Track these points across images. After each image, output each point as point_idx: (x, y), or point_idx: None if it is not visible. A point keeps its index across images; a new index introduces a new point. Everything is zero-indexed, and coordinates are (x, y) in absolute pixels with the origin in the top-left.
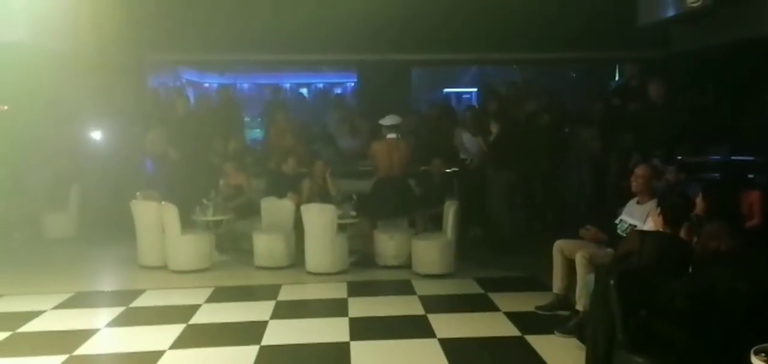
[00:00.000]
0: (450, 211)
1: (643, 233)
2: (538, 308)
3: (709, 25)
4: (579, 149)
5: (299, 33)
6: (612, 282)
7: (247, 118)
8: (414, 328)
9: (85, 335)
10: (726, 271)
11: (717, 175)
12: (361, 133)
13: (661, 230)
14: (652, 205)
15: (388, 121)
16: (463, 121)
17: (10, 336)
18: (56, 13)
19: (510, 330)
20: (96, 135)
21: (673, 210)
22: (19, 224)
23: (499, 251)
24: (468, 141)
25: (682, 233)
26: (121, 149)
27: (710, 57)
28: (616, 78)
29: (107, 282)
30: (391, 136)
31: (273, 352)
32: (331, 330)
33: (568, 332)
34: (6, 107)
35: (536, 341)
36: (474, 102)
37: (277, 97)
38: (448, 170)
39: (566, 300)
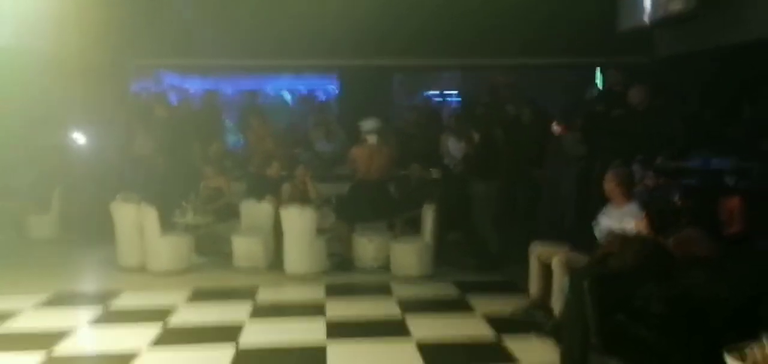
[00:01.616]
0: (428, 214)
1: (624, 235)
2: (513, 313)
3: (693, 31)
4: (562, 154)
5: (281, 38)
6: (586, 284)
7: (227, 123)
8: (391, 329)
9: (63, 334)
10: (704, 276)
11: (695, 180)
12: (337, 137)
13: (643, 233)
14: (629, 208)
15: (367, 125)
16: (448, 125)
17: None
18: (40, 16)
19: (487, 332)
20: (79, 137)
21: (659, 216)
22: (4, 225)
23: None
24: (453, 146)
25: None
26: (104, 151)
27: (695, 62)
28: (598, 83)
29: (86, 282)
30: (371, 139)
31: (249, 353)
32: (308, 331)
33: (545, 334)
34: None
35: (513, 343)
36: (456, 104)
37: (253, 102)
38: (426, 174)
39: (543, 304)
